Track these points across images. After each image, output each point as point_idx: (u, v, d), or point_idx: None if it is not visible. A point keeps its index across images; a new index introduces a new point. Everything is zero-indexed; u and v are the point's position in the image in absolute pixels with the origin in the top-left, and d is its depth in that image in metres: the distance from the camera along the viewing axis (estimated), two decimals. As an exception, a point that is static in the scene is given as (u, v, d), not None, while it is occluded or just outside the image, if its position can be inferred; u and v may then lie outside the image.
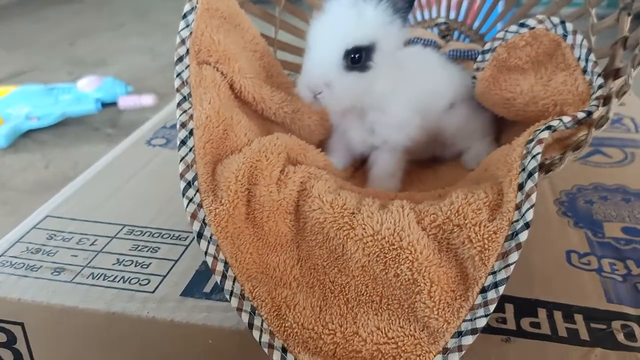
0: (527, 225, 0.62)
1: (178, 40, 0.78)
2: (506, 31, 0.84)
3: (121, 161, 1.09)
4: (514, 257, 0.61)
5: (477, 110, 0.95)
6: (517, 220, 0.63)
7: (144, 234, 0.86)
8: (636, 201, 0.94)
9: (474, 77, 0.90)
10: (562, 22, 0.80)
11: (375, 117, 0.86)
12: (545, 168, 0.69)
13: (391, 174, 0.90)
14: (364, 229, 0.67)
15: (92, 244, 0.84)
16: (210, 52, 0.78)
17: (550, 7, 1.02)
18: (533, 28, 0.82)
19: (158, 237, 0.85)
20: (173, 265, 0.79)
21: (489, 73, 0.86)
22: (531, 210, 0.62)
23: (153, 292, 0.75)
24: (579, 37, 0.78)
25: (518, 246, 0.62)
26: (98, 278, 0.78)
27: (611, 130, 1.18)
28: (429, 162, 1.01)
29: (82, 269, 0.79)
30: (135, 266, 0.80)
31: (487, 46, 0.86)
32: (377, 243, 0.66)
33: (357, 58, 0.78)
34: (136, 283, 0.76)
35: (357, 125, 0.88)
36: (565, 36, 0.80)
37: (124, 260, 0.81)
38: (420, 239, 0.66)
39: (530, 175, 0.64)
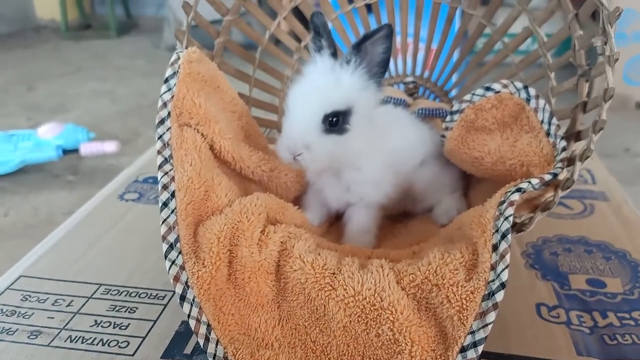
0: (502, 285, 0.65)
1: (160, 103, 0.79)
2: (473, 94, 0.89)
3: (93, 217, 1.09)
4: (491, 316, 0.64)
5: (445, 166, 0.99)
6: (492, 280, 0.66)
7: (121, 293, 0.86)
8: (597, 252, 0.99)
9: (443, 136, 0.94)
10: (525, 87, 0.85)
11: (351, 176, 0.89)
12: (516, 228, 0.72)
13: (366, 230, 0.92)
14: (345, 289, 0.69)
15: (68, 305, 0.83)
16: (192, 115, 0.80)
17: (510, 68, 1.07)
18: (498, 92, 0.87)
19: (135, 296, 0.85)
20: (152, 326, 0.79)
21: (458, 133, 0.91)
22: (506, 271, 0.65)
23: (133, 354, 0.74)
24: (542, 102, 0.83)
25: (495, 306, 0.64)
26: (76, 341, 0.76)
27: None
28: (399, 217, 1.04)
29: (59, 332, 0.78)
30: (114, 327, 0.79)
31: (455, 107, 0.91)
32: (358, 303, 0.68)
33: (335, 121, 0.81)
34: (115, 345, 0.75)
35: (333, 184, 0.90)
36: (528, 100, 0.85)
37: (101, 321, 0.80)
38: (400, 299, 0.68)
39: (503, 236, 0.67)
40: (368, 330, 0.68)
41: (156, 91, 0.79)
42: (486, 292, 0.65)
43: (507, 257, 0.66)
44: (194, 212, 0.75)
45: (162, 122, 0.79)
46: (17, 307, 0.83)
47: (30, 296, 0.85)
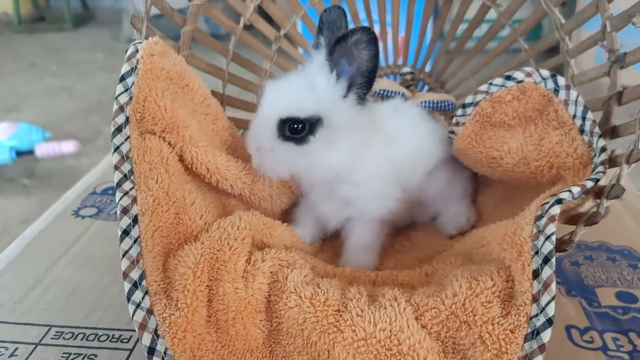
0: (549, 322, 0.53)
1: (115, 107, 0.64)
2: (490, 84, 0.76)
3: (43, 240, 0.92)
4: (538, 361, 0.52)
5: (457, 170, 0.86)
6: (536, 315, 0.54)
7: (76, 336, 0.71)
8: (621, 260, 0.88)
9: (452, 132, 0.82)
10: (553, 76, 0.73)
11: (348, 190, 0.76)
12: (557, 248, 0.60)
13: (368, 247, 0.79)
14: (355, 331, 0.56)
15: (11, 355, 0.68)
16: (156, 120, 0.66)
17: (520, 55, 0.95)
18: (521, 81, 0.74)
19: (94, 340, 0.70)
20: (115, 378, 0.65)
21: (472, 129, 0.78)
22: (552, 304, 0.53)
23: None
24: (574, 93, 0.71)
25: (542, 348, 0.52)
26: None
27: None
28: (400, 228, 0.91)
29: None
30: (67, 383, 0.64)
31: (468, 99, 0.78)
32: (371, 348, 0.55)
33: (299, 129, 0.70)
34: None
35: (328, 198, 0.77)
36: (556, 91, 0.73)
37: (51, 376, 0.65)
38: (422, 340, 0.55)
39: (547, 260, 0.55)
40: (386, 380, 0.55)
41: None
42: (529, 331, 0.53)
43: (553, 286, 0.54)
44: (162, 240, 0.61)
45: (118, 129, 0.64)
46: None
47: (-37, 344, 0.70)
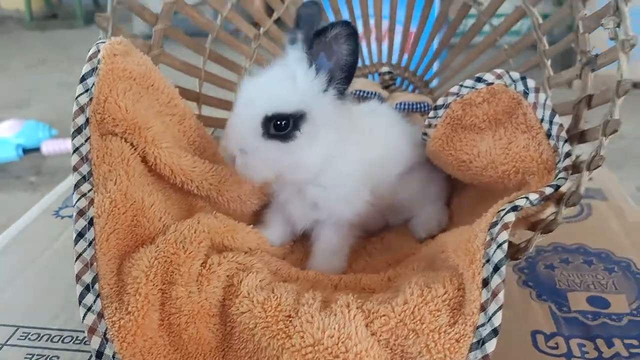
0: (495, 332, 0.52)
1: (75, 107, 0.65)
2: (461, 85, 0.75)
3: (22, 239, 0.93)
4: (480, 371, 0.51)
5: (432, 172, 0.85)
6: (483, 325, 0.53)
7: (41, 338, 0.71)
8: (598, 263, 0.87)
9: (425, 134, 0.81)
10: (523, 78, 0.72)
11: (316, 192, 0.75)
12: (510, 254, 0.59)
13: (335, 251, 0.79)
14: (303, 337, 0.56)
15: (-25, 357, 0.69)
16: (117, 121, 0.66)
17: (500, 54, 0.94)
18: (491, 83, 0.73)
19: (58, 341, 0.71)
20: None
21: (442, 131, 0.77)
22: (499, 313, 0.52)
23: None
24: (542, 96, 0.70)
25: (486, 358, 0.52)
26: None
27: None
28: (373, 230, 0.90)
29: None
30: (28, 385, 0.65)
31: (439, 101, 0.77)
32: (318, 355, 0.55)
33: (283, 126, 0.68)
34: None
35: (298, 199, 0.76)
36: (526, 94, 0.71)
37: (14, 378, 0.66)
38: (369, 348, 0.55)
39: (496, 268, 0.54)
40: (331, 388, 0.55)
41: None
42: (475, 340, 0.53)
43: (501, 295, 0.53)
44: (118, 243, 0.62)
45: (78, 130, 0.65)
46: None
47: None
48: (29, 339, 0.71)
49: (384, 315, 0.57)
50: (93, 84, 0.65)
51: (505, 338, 0.69)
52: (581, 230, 0.95)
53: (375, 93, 0.92)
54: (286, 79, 0.69)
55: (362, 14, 1.07)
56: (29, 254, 0.88)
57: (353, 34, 0.66)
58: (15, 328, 0.73)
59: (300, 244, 0.85)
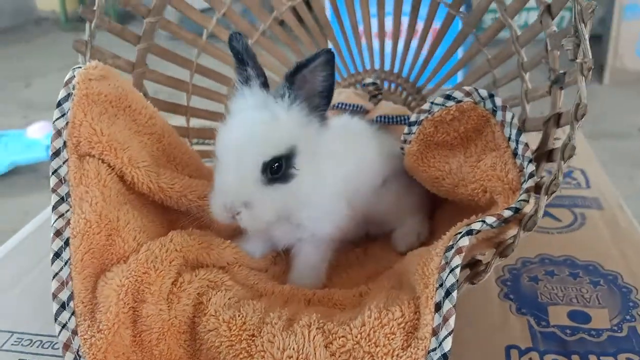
0: (444, 357, 0.53)
1: (53, 131, 0.68)
2: (432, 103, 0.76)
3: (27, 245, 0.97)
4: (430, 396, 0.53)
5: (410, 185, 0.86)
6: (434, 350, 0.54)
7: (34, 344, 0.75)
8: (584, 276, 0.86)
9: (402, 149, 0.82)
10: (491, 96, 0.72)
11: (301, 214, 0.76)
12: (468, 278, 0.60)
13: (314, 266, 0.80)
14: (263, 357, 0.58)
15: (-29, 359, 0.73)
16: (92, 144, 0.69)
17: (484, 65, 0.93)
18: (460, 101, 0.74)
19: (48, 347, 0.74)
20: (59, 387, 0.69)
21: (416, 147, 0.78)
22: (449, 338, 0.54)
23: None
24: (509, 115, 0.70)
25: (435, 382, 0.53)
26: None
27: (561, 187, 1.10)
28: (361, 239, 0.91)
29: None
30: (16, 390, 0.69)
31: (412, 118, 0.78)
32: (277, 375, 0.57)
33: (277, 168, 0.68)
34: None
35: (280, 221, 0.76)
36: (494, 111, 0.72)
37: (3, 382, 0.70)
38: (327, 369, 0.57)
39: (448, 293, 0.55)
40: (290, 406, 0.57)
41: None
42: (426, 364, 0.54)
43: (451, 320, 0.54)
44: (93, 262, 0.65)
45: (56, 153, 0.68)
46: None
47: None
48: (22, 344, 0.75)
49: (342, 337, 0.58)
50: (69, 109, 0.68)
51: (479, 352, 0.72)
52: (571, 241, 0.94)
53: (359, 106, 0.92)
54: (270, 120, 0.68)
55: (351, 21, 1.08)
56: (31, 259, 0.92)
57: (332, 60, 0.66)
58: (11, 334, 0.77)
59: (283, 254, 0.87)
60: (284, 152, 0.68)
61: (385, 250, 0.87)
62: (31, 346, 0.75)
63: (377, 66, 1.10)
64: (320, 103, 0.70)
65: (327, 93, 0.70)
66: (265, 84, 0.71)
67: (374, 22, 1.06)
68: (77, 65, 0.72)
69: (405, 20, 1.02)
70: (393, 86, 1.10)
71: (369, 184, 0.83)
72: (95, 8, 0.76)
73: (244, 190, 0.68)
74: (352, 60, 1.11)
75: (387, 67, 1.09)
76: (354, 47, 1.09)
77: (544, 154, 0.69)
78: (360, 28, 1.08)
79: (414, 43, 1.06)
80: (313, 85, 0.69)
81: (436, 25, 0.99)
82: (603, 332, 0.75)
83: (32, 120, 2.83)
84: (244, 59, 0.71)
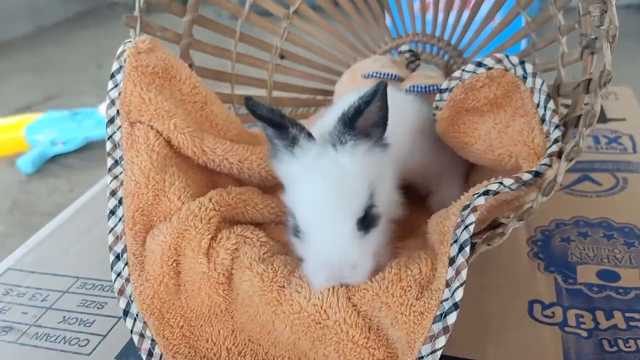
0: (455, 306, 0.57)
1: (107, 101, 0.75)
2: (463, 70, 0.78)
3: (90, 206, 1.08)
4: (441, 341, 0.57)
5: (443, 146, 0.88)
6: (446, 299, 0.58)
7: (95, 287, 0.85)
8: (619, 237, 0.86)
9: (434, 115, 0.84)
10: (522, 62, 0.73)
11: None
12: (485, 240, 0.63)
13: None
14: (291, 305, 0.64)
15: (43, 300, 0.84)
16: (142, 112, 0.75)
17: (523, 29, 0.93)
18: (491, 68, 0.75)
19: (108, 290, 0.84)
20: (115, 324, 0.78)
21: (447, 114, 0.80)
22: (460, 289, 0.58)
23: (89, 354, 0.74)
24: (539, 81, 0.71)
25: (446, 329, 0.57)
26: (41, 338, 0.77)
27: (605, 151, 1.07)
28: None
29: (28, 328, 0.79)
30: (79, 324, 0.79)
31: (443, 85, 0.80)
32: (303, 321, 0.63)
33: (367, 215, 0.64)
34: (76, 344, 0.75)
35: None
36: (525, 78, 0.73)
37: (69, 317, 0.80)
38: (348, 317, 0.62)
39: (461, 248, 0.59)
40: (315, 350, 0.63)
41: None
42: (438, 313, 0.58)
43: (463, 273, 0.58)
44: (143, 219, 0.72)
45: (111, 120, 0.75)
46: (-3, 301, 0.84)
47: (11, 290, 0.86)
48: (85, 287, 0.86)
49: (363, 289, 0.63)
50: (121, 80, 0.75)
51: (501, 308, 0.75)
52: (610, 204, 0.93)
53: (392, 74, 0.94)
54: (344, 175, 0.63)
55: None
56: (94, 219, 1.03)
57: (385, 89, 0.62)
58: (76, 279, 0.88)
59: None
60: (367, 199, 0.64)
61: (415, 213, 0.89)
62: (93, 289, 0.85)
63: (418, 29, 1.11)
64: (378, 133, 0.66)
65: (383, 121, 0.66)
66: (310, 135, 0.66)
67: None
68: (128, 40, 0.78)
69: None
70: (435, 50, 1.11)
71: (399, 146, 0.82)
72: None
73: (347, 257, 0.63)
74: (393, 24, 1.12)
75: (428, 30, 1.10)
76: (395, 10, 1.10)
77: (572, 120, 0.70)
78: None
79: (457, 5, 1.06)
80: (367, 120, 0.64)
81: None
82: (631, 290, 0.76)
83: (103, 98, 2.95)
84: (275, 122, 0.64)
